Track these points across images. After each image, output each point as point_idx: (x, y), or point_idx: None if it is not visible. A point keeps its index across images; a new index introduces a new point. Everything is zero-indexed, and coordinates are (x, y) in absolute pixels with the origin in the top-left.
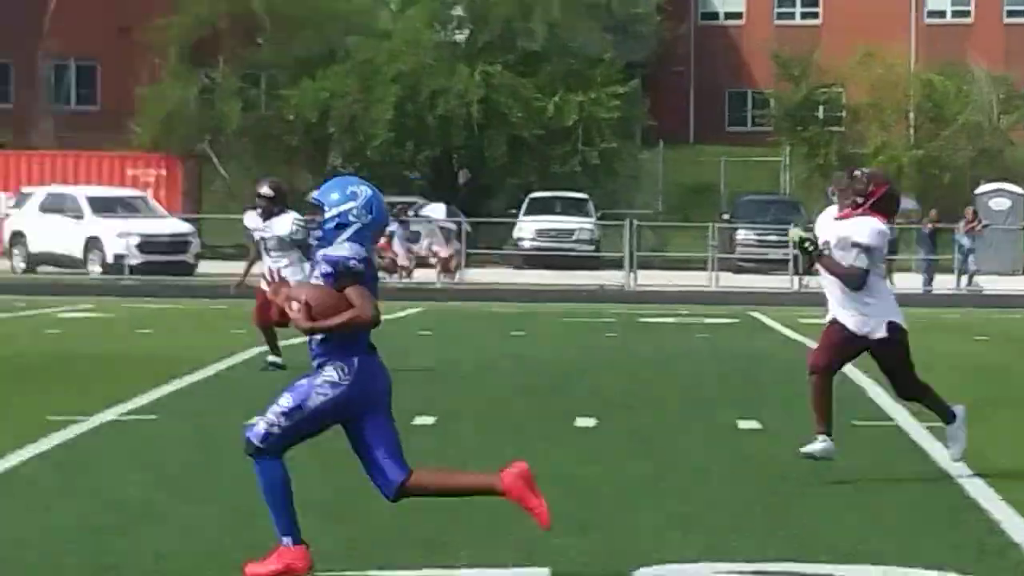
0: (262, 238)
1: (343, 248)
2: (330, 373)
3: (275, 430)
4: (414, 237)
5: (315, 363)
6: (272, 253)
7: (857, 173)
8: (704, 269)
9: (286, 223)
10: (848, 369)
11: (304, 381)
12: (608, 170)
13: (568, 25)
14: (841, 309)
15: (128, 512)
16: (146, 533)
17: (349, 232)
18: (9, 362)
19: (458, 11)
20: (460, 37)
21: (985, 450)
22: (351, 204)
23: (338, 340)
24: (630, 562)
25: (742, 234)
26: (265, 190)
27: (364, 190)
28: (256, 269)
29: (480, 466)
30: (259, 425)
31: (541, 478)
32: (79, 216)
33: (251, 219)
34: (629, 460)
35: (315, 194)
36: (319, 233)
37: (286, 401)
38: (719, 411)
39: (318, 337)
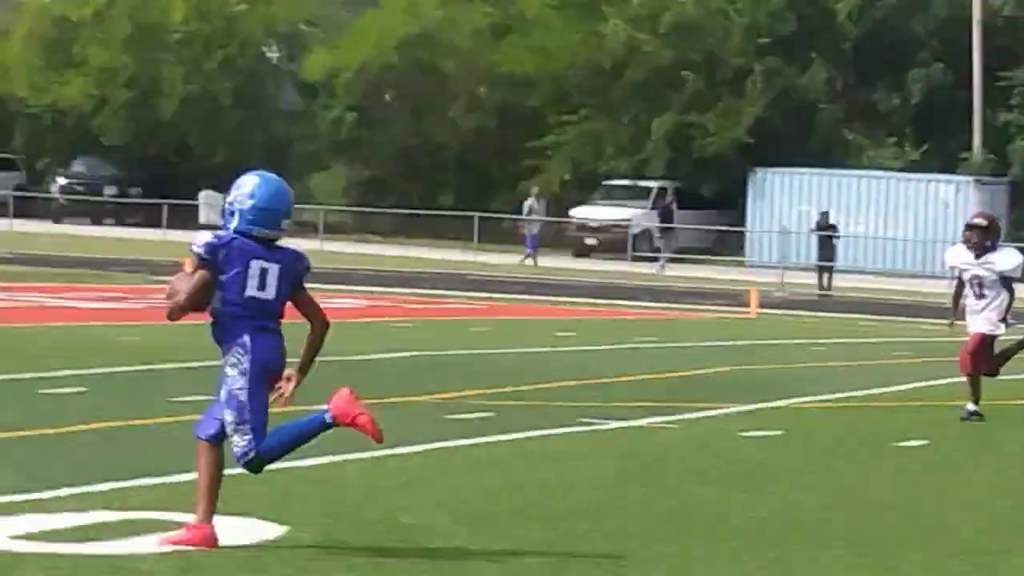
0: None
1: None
2: (232, 359)
3: (247, 437)
4: None
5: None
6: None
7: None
8: None
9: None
10: None
11: (223, 387)
12: None
13: None
14: None
15: None
16: None
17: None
18: None
19: None
20: None
21: None
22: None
23: (223, 327)
24: None
25: None
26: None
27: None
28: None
29: None
30: (235, 447)
31: None
32: None
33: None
34: None
35: None
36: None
37: (229, 416)
38: None
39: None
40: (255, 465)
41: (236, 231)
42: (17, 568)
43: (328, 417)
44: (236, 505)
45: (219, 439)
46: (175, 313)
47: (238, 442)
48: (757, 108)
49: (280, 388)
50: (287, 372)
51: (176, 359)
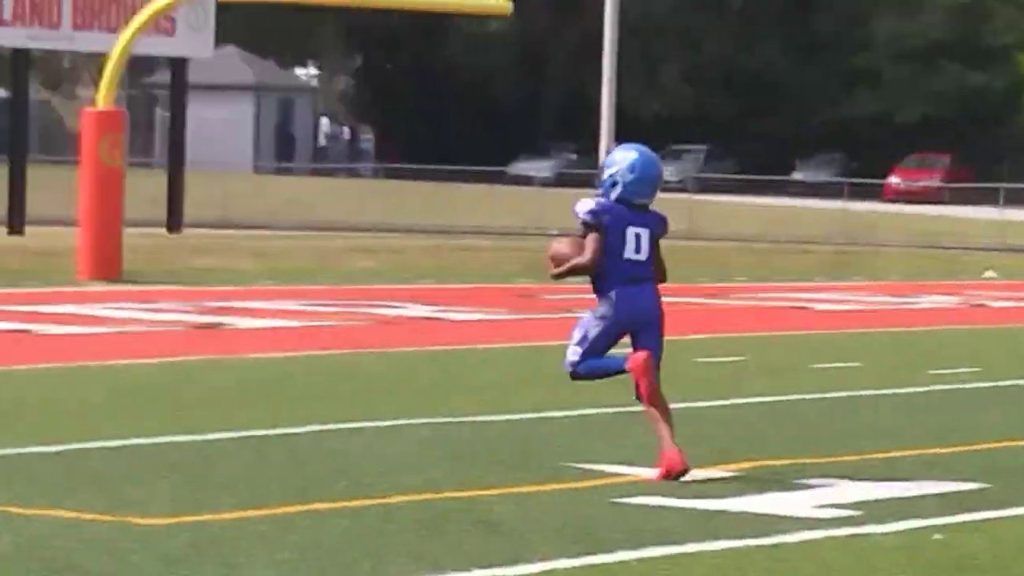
0: None
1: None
2: (599, 308)
3: (575, 358)
4: None
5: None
6: None
7: None
8: None
9: None
10: None
11: (586, 315)
12: None
13: None
14: None
15: None
16: None
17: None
18: None
19: None
20: None
21: None
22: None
23: (598, 282)
24: None
25: None
26: None
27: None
28: None
29: None
30: (567, 357)
31: None
32: None
33: None
34: None
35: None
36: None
37: (577, 333)
38: None
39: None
40: (572, 376)
41: (617, 199)
42: None
43: (626, 365)
44: None
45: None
46: (575, 272)
47: (568, 355)
48: None
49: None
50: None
51: None
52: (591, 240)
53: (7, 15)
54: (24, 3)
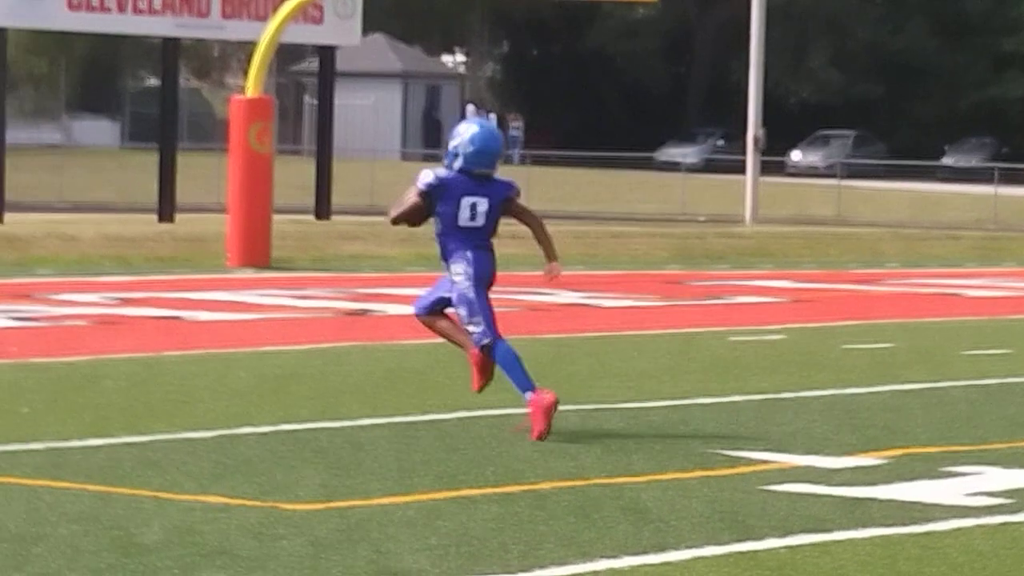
0: None
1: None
2: (457, 268)
3: (480, 326)
4: None
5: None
6: None
7: None
8: None
9: None
10: None
11: (454, 291)
12: None
13: None
14: None
15: None
16: None
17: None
18: None
19: None
20: None
21: None
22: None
23: (444, 249)
24: None
25: None
26: None
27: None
28: None
29: None
30: (474, 335)
31: None
32: None
33: None
34: None
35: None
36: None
37: (463, 310)
38: None
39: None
40: (488, 351)
41: (458, 170)
42: None
43: (527, 397)
44: None
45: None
46: (393, 221)
47: (474, 330)
48: None
49: (551, 270)
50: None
51: None
52: (408, 203)
53: (157, 4)
54: None
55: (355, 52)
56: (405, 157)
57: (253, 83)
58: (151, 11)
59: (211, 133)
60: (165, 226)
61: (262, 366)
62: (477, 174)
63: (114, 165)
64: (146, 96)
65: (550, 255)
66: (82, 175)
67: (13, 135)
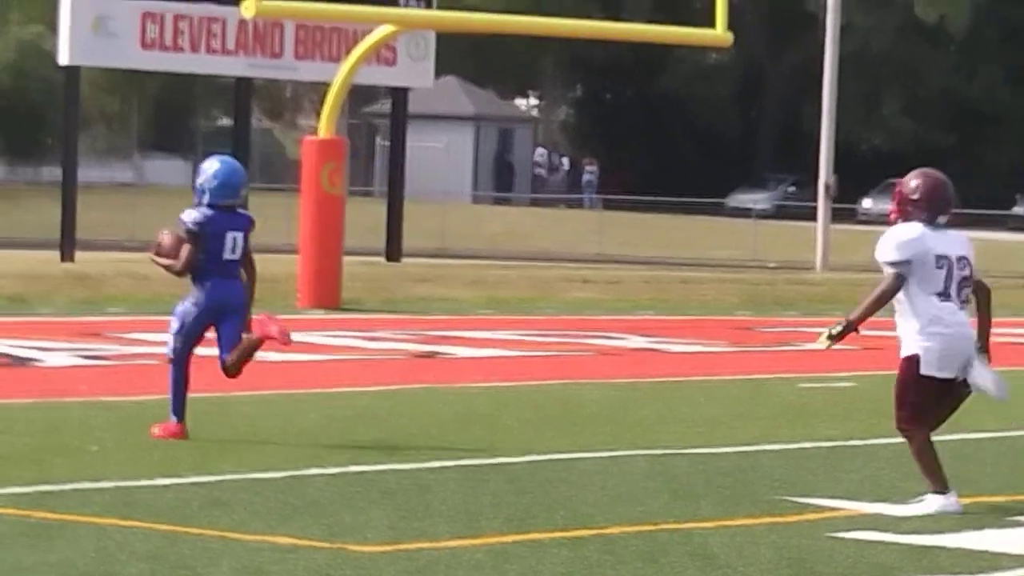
0: None
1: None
2: (192, 296)
3: (175, 344)
4: None
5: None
6: None
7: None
8: None
9: None
10: None
11: (180, 305)
12: None
13: None
14: None
15: None
16: None
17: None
18: None
19: None
20: None
21: None
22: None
23: (196, 277)
24: None
25: None
26: None
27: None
28: None
29: None
30: (167, 344)
31: None
32: None
33: None
34: None
35: None
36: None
37: (175, 322)
38: None
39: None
40: (170, 363)
41: (209, 204)
42: None
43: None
44: None
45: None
46: (169, 270)
47: (168, 341)
48: None
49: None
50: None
51: None
52: (186, 250)
53: (230, 44)
54: (247, 33)
55: (428, 94)
56: (476, 200)
57: (325, 124)
58: (224, 51)
59: (283, 174)
60: None
61: (331, 407)
62: (224, 206)
63: (185, 204)
64: (218, 136)
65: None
66: (153, 214)
67: (85, 173)
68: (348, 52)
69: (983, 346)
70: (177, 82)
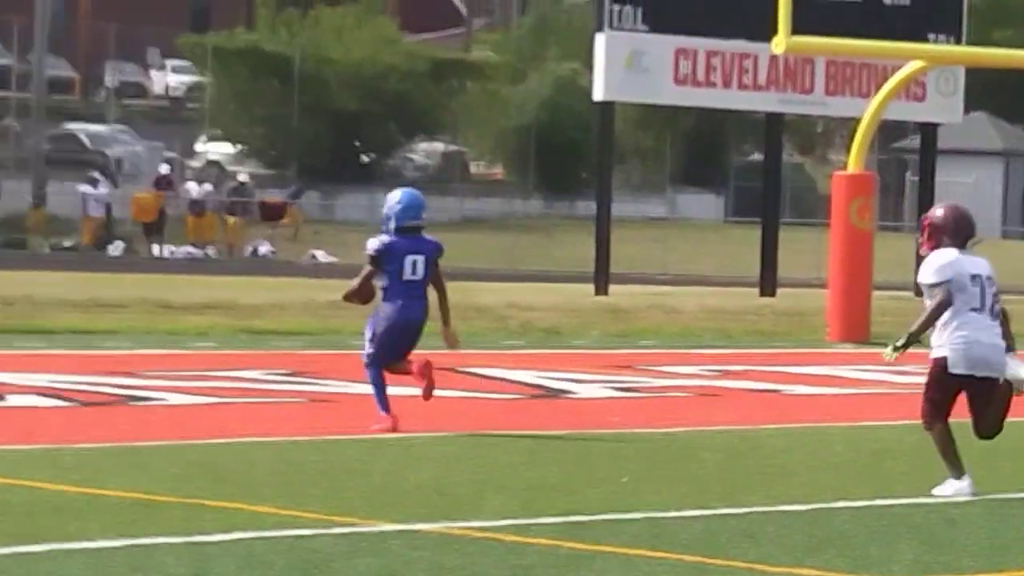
0: None
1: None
2: (382, 310)
3: (370, 350)
4: None
5: None
6: None
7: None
8: None
9: None
10: None
11: (372, 318)
12: None
13: None
14: None
15: None
16: None
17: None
18: None
19: None
20: None
21: None
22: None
23: (384, 296)
24: None
25: None
26: None
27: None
28: None
29: None
30: (363, 352)
31: None
32: None
33: None
34: None
35: None
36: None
37: (367, 331)
38: None
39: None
40: (367, 366)
41: (395, 230)
42: None
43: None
44: None
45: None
46: (347, 297)
47: (365, 349)
48: None
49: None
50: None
51: None
52: (361, 272)
53: (761, 80)
54: (778, 69)
55: (956, 129)
56: (1006, 235)
57: (855, 159)
58: (755, 87)
59: (813, 208)
60: (766, 300)
61: (859, 440)
62: (410, 229)
63: (717, 239)
64: (750, 171)
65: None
66: (685, 248)
67: (619, 208)
68: (878, 88)
69: (1009, 346)
70: (709, 117)
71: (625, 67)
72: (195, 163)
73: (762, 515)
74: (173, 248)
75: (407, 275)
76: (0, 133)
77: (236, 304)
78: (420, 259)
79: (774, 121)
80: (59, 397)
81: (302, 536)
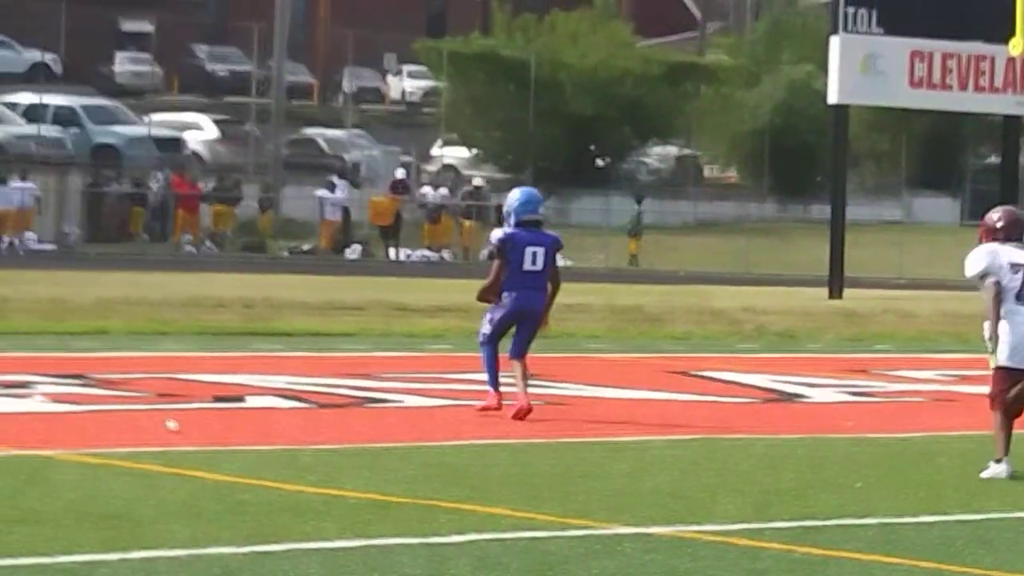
0: None
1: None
2: (504, 299)
3: (485, 330)
4: None
5: None
6: None
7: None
8: None
9: None
10: None
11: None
12: None
13: None
14: None
15: None
16: None
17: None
18: None
19: None
20: None
21: None
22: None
23: (505, 285)
24: None
25: None
26: None
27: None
28: None
29: None
30: (480, 329)
31: None
32: None
33: None
34: None
35: None
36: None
37: (487, 315)
38: None
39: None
40: (482, 344)
41: (516, 224)
42: None
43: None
44: None
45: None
46: (484, 294)
47: (481, 329)
48: None
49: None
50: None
51: None
52: (493, 267)
53: (998, 82)
54: (1015, 71)
55: None
56: None
57: None
58: (992, 89)
59: None
60: None
61: None
62: (531, 222)
63: (953, 242)
64: (986, 173)
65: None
66: (921, 252)
67: (854, 211)
68: None
69: None
70: (945, 120)
71: (860, 70)
72: (431, 167)
73: (999, 521)
74: (409, 251)
75: (527, 265)
76: (240, 138)
77: (471, 307)
78: (540, 251)
79: (1011, 123)
80: (297, 399)
81: (537, 538)
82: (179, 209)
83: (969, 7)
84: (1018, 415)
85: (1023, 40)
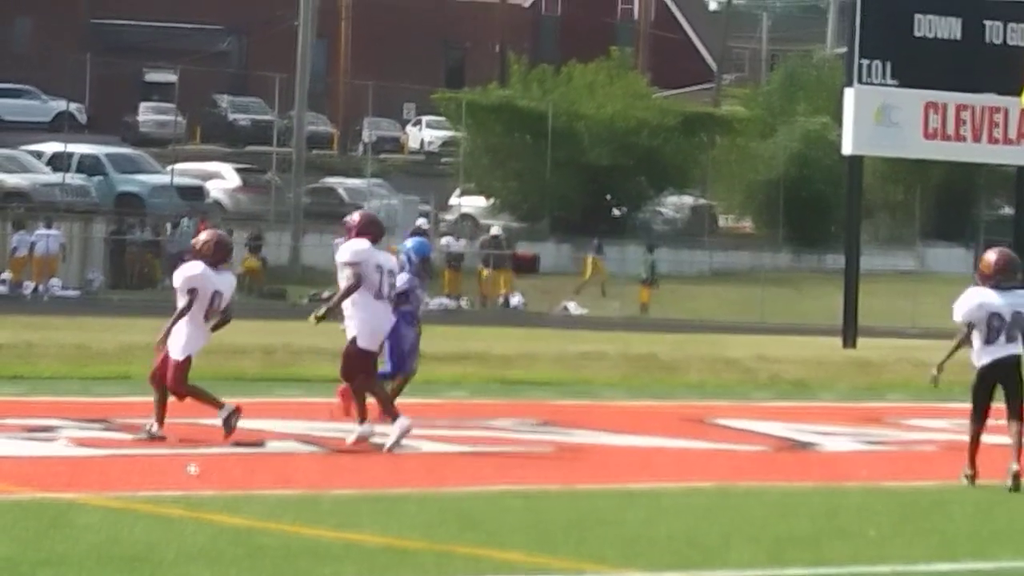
0: None
1: None
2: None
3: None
4: None
5: None
6: None
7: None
8: None
9: None
10: None
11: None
12: None
13: None
14: None
15: None
16: None
17: None
18: None
19: None
20: None
21: None
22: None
23: None
24: None
25: None
26: None
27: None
28: None
29: None
30: None
31: None
32: None
33: None
34: None
35: None
36: None
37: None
38: None
39: None
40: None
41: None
42: None
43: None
44: None
45: None
46: None
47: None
48: None
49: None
50: None
51: None
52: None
53: (1012, 133)
54: None
55: None
56: None
57: None
58: (1005, 140)
59: None
60: None
61: None
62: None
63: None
64: (1000, 225)
65: None
66: (935, 302)
67: (868, 261)
68: None
69: None
70: (959, 171)
71: (874, 121)
72: (449, 216)
73: (1011, 570)
74: (427, 299)
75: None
76: (262, 187)
77: (489, 354)
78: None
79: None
80: (317, 444)
81: None
82: None
83: (982, 60)
84: None
85: None
